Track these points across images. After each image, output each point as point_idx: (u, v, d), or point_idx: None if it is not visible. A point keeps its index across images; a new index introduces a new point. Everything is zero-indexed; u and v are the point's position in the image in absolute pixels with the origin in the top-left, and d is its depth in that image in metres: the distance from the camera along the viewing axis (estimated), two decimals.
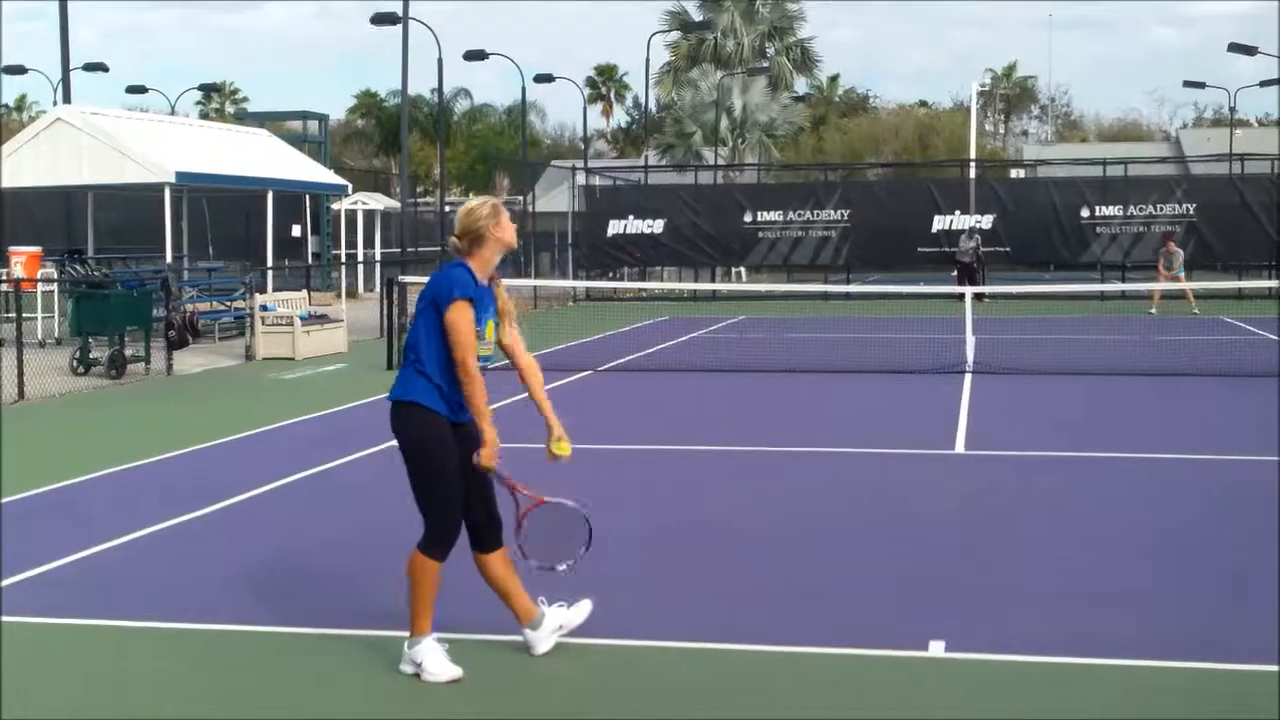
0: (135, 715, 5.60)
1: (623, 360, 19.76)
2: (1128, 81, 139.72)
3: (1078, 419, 13.83)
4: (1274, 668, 5.91)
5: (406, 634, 5.96)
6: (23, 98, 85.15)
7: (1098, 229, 35.47)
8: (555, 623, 6.17)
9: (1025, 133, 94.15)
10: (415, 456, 5.91)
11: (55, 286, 21.92)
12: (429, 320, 5.90)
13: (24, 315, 18.22)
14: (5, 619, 6.80)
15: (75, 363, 17.91)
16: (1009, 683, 5.91)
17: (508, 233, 5.98)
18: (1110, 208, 35.51)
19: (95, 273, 20.86)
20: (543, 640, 6.13)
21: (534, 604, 6.15)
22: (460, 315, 5.81)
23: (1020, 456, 11.65)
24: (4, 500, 9.78)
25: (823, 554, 8.20)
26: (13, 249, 22.88)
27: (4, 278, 22.13)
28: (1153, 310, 28.25)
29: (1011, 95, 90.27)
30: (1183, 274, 29.47)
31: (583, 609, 6.27)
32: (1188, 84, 53.68)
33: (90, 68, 47.91)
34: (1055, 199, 35.97)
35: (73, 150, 23.42)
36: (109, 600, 7.22)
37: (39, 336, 21.32)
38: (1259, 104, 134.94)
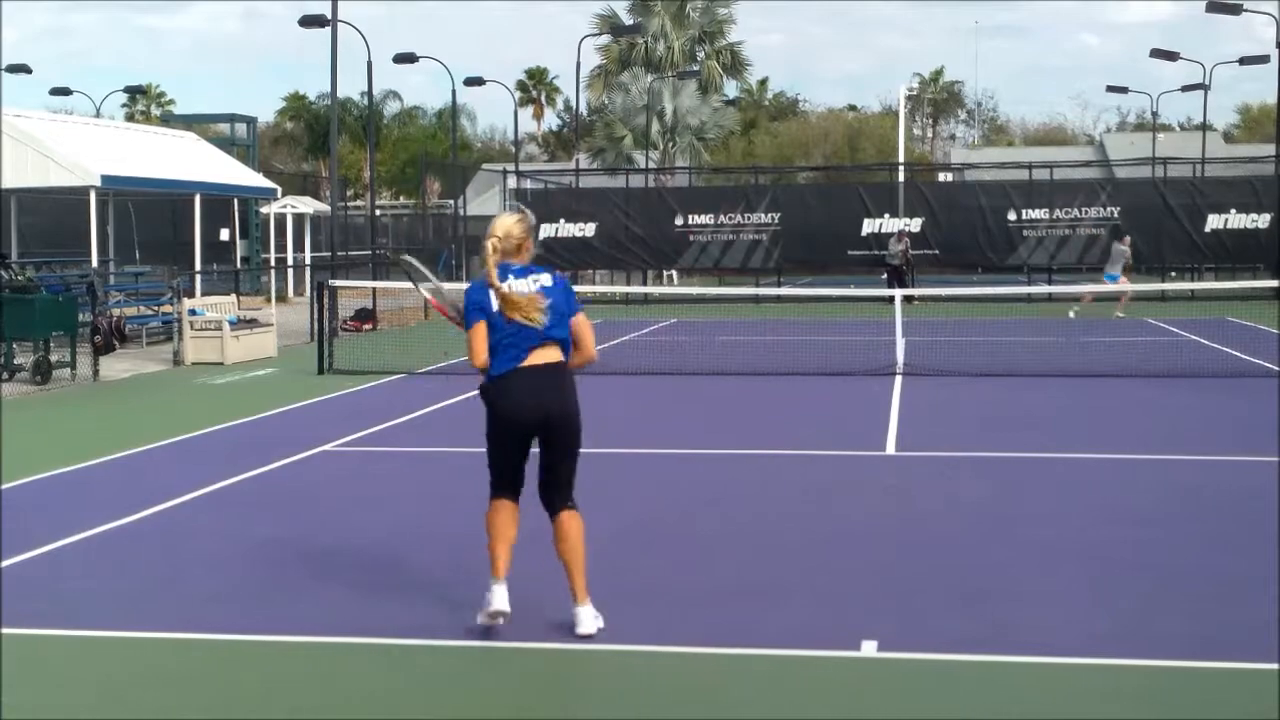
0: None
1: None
2: (1053, 86, 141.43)
3: (1007, 419, 13.99)
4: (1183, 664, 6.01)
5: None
6: None
7: (1024, 231, 35.87)
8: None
9: (953, 136, 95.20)
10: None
11: None
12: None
13: None
14: None
15: None
16: (939, 682, 5.97)
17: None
18: (1036, 211, 35.91)
19: (19, 277, 20.55)
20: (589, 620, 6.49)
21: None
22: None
23: (950, 457, 11.77)
24: None
25: (755, 554, 8.24)
26: None
27: None
28: (1071, 313, 28.62)
29: (939, 99, 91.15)
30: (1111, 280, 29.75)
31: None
32: (1111, 89, 54.79)
33: (13, 69, 47.26)
34: (983, 202, 36.32)
35: None
36: (30, 608, 7.13)
37: None
38: (1181, 109, 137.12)
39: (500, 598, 6.48)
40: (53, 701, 5.83)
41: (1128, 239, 29.84)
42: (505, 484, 6.71)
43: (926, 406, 14.81)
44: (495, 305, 6.52)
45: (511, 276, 6.56)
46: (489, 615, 6.48)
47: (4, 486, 10.47)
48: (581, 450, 6.65)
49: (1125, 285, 28.17)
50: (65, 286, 19.51)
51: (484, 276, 6.59)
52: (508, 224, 6.67)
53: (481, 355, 6.56)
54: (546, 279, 6.64)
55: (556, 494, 6.65)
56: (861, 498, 10.00)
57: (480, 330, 6.55)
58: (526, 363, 6.50)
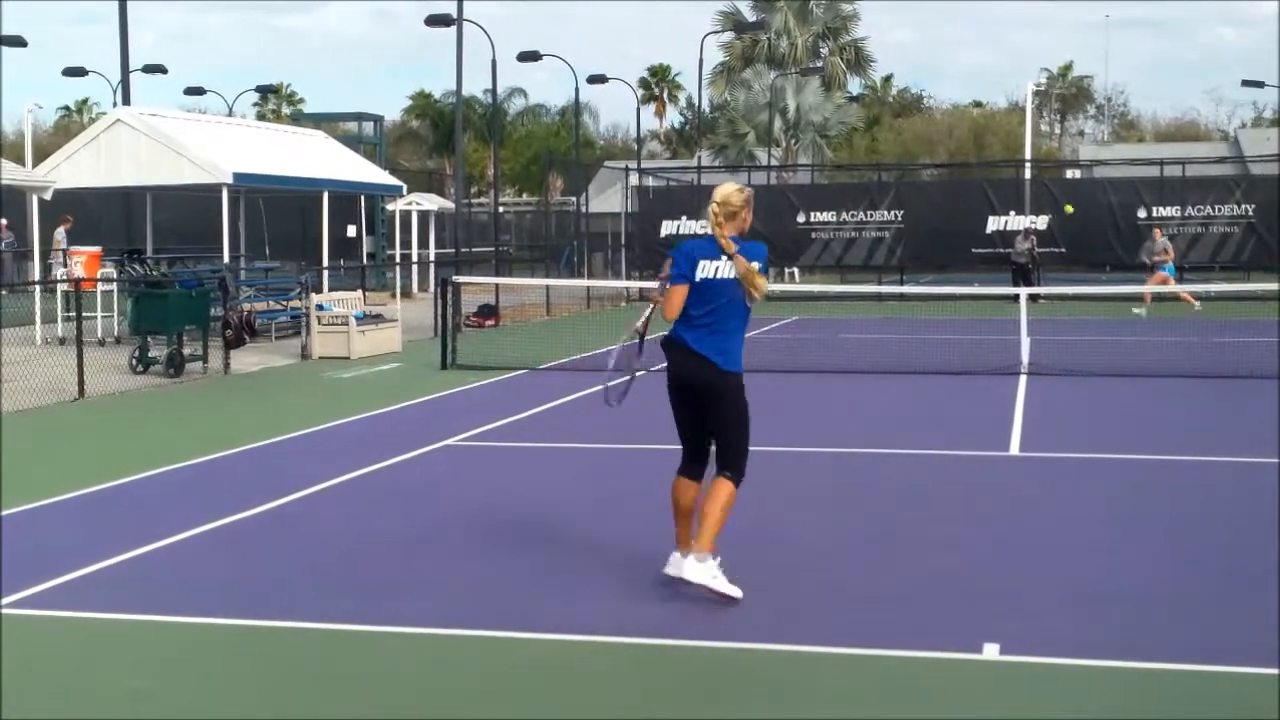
0: (191, 710, 5.67)
1: None
2: (1185, 81, 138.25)
3: (1134, 421, 13.72)
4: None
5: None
6: (84, 100, 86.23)
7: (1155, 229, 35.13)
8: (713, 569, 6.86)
9: (1081, 133, 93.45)
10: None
11: (115, 286, 22.19)
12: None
13: (84, 314, 18.45)
14: (62, 614, 6.92)
15: (134, 361, 18.12)
16: (1060, 685, 5.88)
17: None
18: (1167, 208, 35.18)
19: (154, 272, 21.08)
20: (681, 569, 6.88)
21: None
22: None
23: (1076, 459, 11.57)
24: (60, 498, 9.93)
25: (877, 556, 8.17)
26: (73, 249, 23.16)
27: (65, 277, 22.40)
28: (1139, 311, 28.22)
29: (1067, 95, 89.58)
30: (1170, 273, 29.34)
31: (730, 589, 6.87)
32: (1246, 83, 53.10)
33: (149, 70, 48.37)
34: (1112, 199, 35.67)
35: (131, 151, 23.68)
36: (163, 598, 7.30)
37: (99, 335, 21.58)
38: None
39: (672, 563, 7.01)
40: (152, 687, 5.98)
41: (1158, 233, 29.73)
42: (685, 454, 7.21)
43: (1051, 407, 14.58)
44: (699, 276, 6.86)
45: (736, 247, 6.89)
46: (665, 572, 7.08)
47: (138, 476, 10.75)
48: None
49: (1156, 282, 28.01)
50: (198, 282, 19.94)
51: (699, 239, 6.97)
52: (728, 190, 7.01)
53: (674, 311, 6.98)
54: (756, 266, 6.93)
55: (718, 458, 7.06)
56: (984, 498, 9.87)
57: (682, 291, 6.92)
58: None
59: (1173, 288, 28.23)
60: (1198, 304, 28.96)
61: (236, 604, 7.09)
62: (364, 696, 5.77)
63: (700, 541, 6.84)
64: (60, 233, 31.97)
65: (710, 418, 7.07)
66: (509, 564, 7.93)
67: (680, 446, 7.28)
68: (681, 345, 7.04)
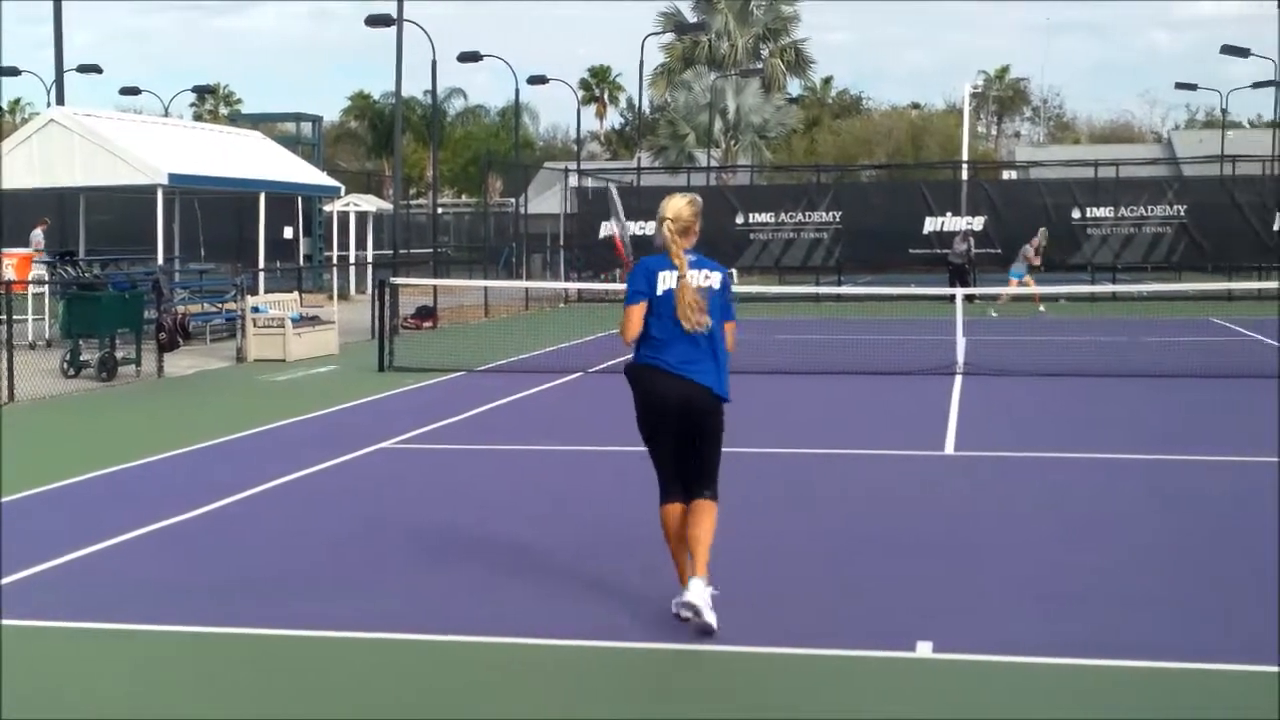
0: (128, 717, 5.61)
1: (615, 361, 19.70)
2: (1121, 84, 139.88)
3: (1068, 420, 13.85)
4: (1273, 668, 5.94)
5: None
6: (17, 100, 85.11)
7: (1089, 230, 35.55)
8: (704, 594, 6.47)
9: (1018, 134, 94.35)
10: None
11: (46, 288, 21.92)
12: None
13: (14, 317, 18.20)
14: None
15: (66, 365, 17.89)
16: (994, 683, 5.93)
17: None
18: (1101, 209, 35.57)
19: (86, 274, 20.84)
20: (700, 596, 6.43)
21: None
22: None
23: (1010, 457, 11.68)
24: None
25: (813, 554, 8.21)
26: (5, 250, 22.86)
27: None
28: (994, 313, 29.07)
29: (1004, 97, 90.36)
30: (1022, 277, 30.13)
31: (710, 617, 6.43)
32: (1180, 86, 53.88)
33: (84, 69, 47.89)
34: (1047, 200, 36.02)
35: (65, 151, 23.41)
36: (100, 603, 7.22)
37: (29, 339, 21.29)
38: (1252, 105, 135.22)
39: (691, 594, 6.48)
40: (80, 691, 5.91)
41: (1038, 235, 30.51)
42: (669, 479, 6.80)
43: (987, 406, 14.71)
44: (661, 289, 6.57)
45: (689, 265, 6.61)
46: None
47: (69, 481, 10.63)
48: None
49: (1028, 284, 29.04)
50: (131, 284, 19.74)
51: (658, 255, 6.66)
52: (678, 205, 6.71)
53: (634, 332, 6.65)
54: (717, 279, 6.74)
55: (694, 481, 6.77)
56: (920, 497, 9.94)
57: (640, 310, 6.61)
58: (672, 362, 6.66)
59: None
60: (1043, 306, 30.06)
61: (169, 609, 7.02)
62: (298, 702, 5.73)
63: (701, 568, 6.55)
64: (38, 234, 31.79)
65: (697, 439, 6.84)
66: (445, 567, 7.90)
67: (657, 473, 6.91)
68: (662, 370, 6.69)
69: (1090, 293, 32.69)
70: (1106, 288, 32.75)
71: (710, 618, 6.37)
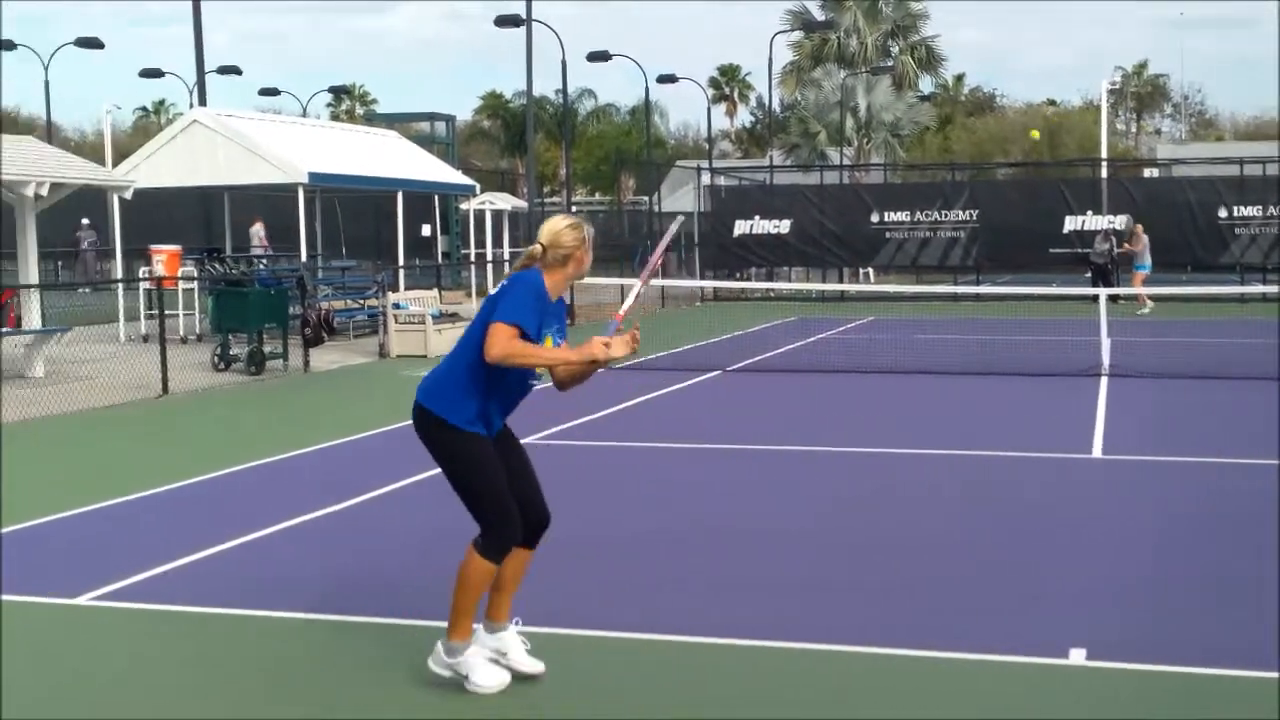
0: (272, 699, 5.72)
1: (751, 360, 19.72)
2: (1264, 79, 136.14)
3: (1219, 423, 13.51)
4: None
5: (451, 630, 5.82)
6: (161, 101, 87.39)
7: (1236, 229, 34.63)
8: (504, 647, 5.85)
9: (1158, 132, 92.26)
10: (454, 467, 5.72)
11: (195, 284, 22.46)
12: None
13: (165, 313, 18.69)
14: (153, 606, 7.00)
15: (216, 359, 18.33)
16: (1151, 691, 5.80)
17: (585, 265, 5.71)
18: (1249, 208, 34.64)
19: (233, 271, 21.32)
20: (479, 654, 5.78)
21: (507, 618, 5.90)
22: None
23: (1159, 462, 11.42)
24: (145, 494, 10.06)
25: (956, 559, 8.10)
26: (154, 247, 23.45)
27: (146, 275, 22.71)
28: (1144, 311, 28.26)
29: (1143, 93, 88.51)
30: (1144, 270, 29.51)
31: (534, 665, 5.87)
32: None
33: (224, 71, 48.98)
34: (1191, 198, 35.18)
35: (209, 151, 23.96)
36: (251, 590, 7.37)
37: (180, 333, 21.84)
38: None
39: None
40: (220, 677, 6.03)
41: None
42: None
43: (1134, 409, 14.39)
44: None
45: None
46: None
47: (224, 472, 10.87)
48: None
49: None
50: (277, 280, 20.14)
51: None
52: (556, 228, 5.65)
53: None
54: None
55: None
56: (1067, 501, 9.76)
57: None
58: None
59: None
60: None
61: (305, 600, 7.13)
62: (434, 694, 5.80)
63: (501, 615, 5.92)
64: (258, 229, 33.82)
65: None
66: (588, 562, 7.92)
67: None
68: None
69: (1240, 293, 31.83)
70: (1256, 289, 31.83)
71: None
